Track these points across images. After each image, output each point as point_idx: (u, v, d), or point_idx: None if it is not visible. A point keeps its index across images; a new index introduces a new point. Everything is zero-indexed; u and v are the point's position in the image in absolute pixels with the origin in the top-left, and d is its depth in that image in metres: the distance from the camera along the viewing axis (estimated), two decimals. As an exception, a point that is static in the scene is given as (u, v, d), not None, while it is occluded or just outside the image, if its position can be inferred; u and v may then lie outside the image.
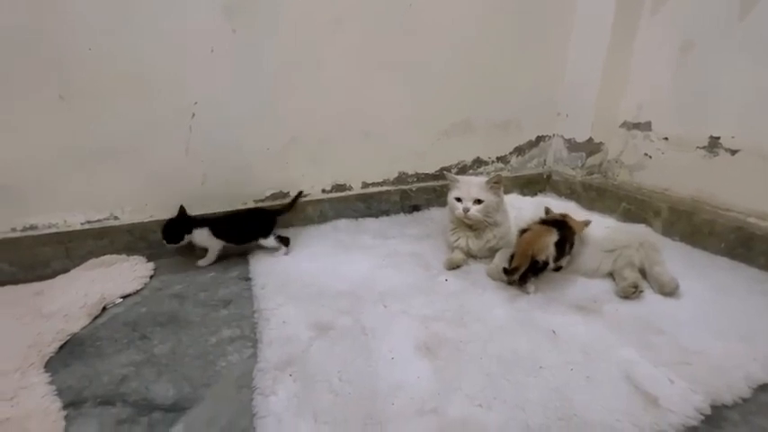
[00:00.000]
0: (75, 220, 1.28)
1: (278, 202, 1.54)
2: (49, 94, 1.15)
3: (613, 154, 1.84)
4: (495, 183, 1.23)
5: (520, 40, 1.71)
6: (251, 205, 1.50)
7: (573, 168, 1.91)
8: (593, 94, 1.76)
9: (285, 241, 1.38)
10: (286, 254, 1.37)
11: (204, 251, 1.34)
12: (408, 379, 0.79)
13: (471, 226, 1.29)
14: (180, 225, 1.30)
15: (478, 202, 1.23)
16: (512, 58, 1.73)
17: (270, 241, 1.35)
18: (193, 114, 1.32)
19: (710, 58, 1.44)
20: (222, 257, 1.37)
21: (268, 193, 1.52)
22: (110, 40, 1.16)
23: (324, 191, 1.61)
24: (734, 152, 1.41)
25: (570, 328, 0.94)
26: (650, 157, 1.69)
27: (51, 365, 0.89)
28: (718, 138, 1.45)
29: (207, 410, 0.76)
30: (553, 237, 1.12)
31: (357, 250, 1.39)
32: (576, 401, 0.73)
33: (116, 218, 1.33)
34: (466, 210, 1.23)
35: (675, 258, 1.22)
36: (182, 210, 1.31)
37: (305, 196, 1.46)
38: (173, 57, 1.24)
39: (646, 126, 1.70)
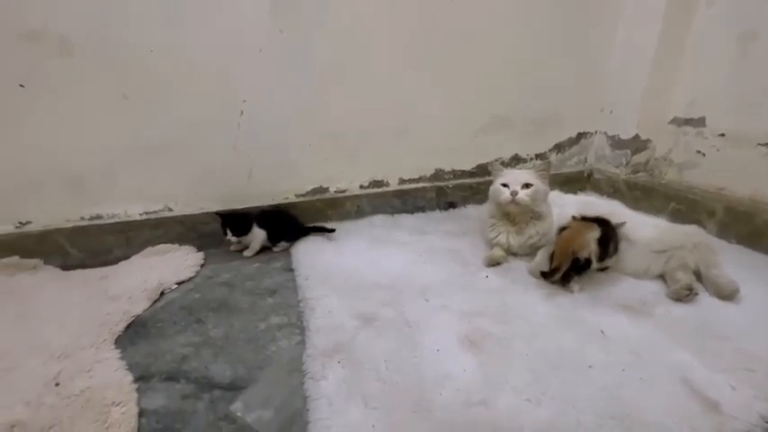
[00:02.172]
0: (134, 210, 1.38)
1: (317, 197, 1.58)
2: (116, 94, 1.24)
3: (661, 152, 1.76)
4: (542, 169, 1.22)
5: (562, 33, 1.67)
6: (292, 200, 1.55)
7: (616, 166, 1.84)
8: (640, 89, 1.69)
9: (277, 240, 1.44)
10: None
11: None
12: (454, 371, 0.80)
13: (514, 219, 1.27)
14: (246, 220, 1.37)
15: (527, 186, 1.21)
16: (553, 53, 1.69)
17: (283, 245, 1.44)
18: (242, 112, 1.38)
19: (775, 49, 1.35)
20: (266, 249, 1.44)
21: (309, 188, 1.57)
22: (169, 42, 1.24)
23: (361, 186, 1.64)
24: (801, 149, 1.31)
25: (619, 329, 0.92)
26: (703, 154, 1.60)
27: (120, 343, 0.96)
28: (783, 134, 1.35)
29: (262, 391, 0.81)
30: (595, 233, 1.09)
31: (394, 245, 1.41)
32: (628, 402, 0.72)
33: (170, 209, 1.42)
34: (514, 193, 1.19)
35: (732, 262, 1.15)
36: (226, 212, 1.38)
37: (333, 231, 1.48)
38: (225, 57, 1.30)
39: (699, 122, 1.61)
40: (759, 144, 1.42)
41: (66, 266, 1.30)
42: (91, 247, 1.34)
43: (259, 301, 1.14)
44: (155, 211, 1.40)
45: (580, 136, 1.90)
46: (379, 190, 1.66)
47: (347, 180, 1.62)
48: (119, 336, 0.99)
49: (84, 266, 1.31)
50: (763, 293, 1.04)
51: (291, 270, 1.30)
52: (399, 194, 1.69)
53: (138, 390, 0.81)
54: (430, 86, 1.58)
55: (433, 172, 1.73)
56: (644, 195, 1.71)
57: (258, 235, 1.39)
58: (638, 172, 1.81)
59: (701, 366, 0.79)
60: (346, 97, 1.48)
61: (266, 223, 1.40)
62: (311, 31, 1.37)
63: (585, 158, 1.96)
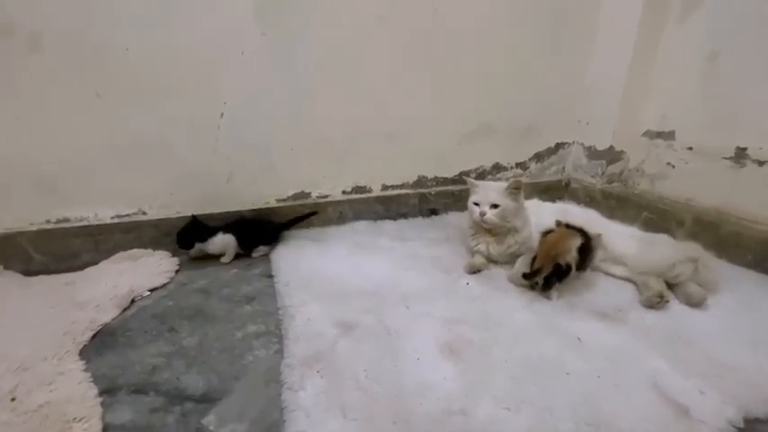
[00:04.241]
0: (105, 214, 1.32)
1: (299, 202, 1.56)
2: (88, 92, 1.19)
3: (634, 163, 1.82)
4: (514, 188, 1.23)
5: (542, 46, 1.72)
6: (273, 205, 1.53)
7: (592, 176, 1.90)
8: (615, 101, 1.75)
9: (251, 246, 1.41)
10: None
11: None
12: (434, 380, 0.79)
13: (491, 231, 1.29)
14: (195, 232, 1.32)
15: (495, 206, 1.23)
16: (533, 65, 1.74)
17: (261, 250, 1.40)
18: (222, 114, 1.35)
19: (738, 68, 1.43)
20: (241, 255, 1.40)
21: (290, 193, 1.55)
22: (145, 41, 1.20)
23: (344, 192, 1.63)
24: (761, 163, 1.38)
25: (595, 336, 0.93)
26: (673, 166, 1.67)
27: (85, 353, 0.91)
28: (746, 149, 1.43)
29: (237, 402, 0.78)
30: (577, 241, 1.11)
31: (377, 252, 1.40)
32: (604, 408, 0.73)
33: (144, 213, 1.37)
34: (482, 214, 1.23)
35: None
36: (194, 218, 1.33)
37: (316, 214, 1.47)
38: (205, 58, 1.27)
39: (669, 135, 1.68)
40: (724, 158, 1.49)
41: (28, 272, 1.23)
42: (56, 251, 1.27)
43: (236, 308, 1.10)
44: (127, 215, 1.35)
45: (558, 146, 1.96)
46: (362, 196, 1.66)
47: (330, 185, 1.60)
48: (84, 346, 0.94)
49: (47, 272, 1.24)
50: (729, 301, 1.09)
51: (271, 276, 1.27)
52: (382, 201, 1.69)
53: (102, 404, 0.76)
54: (416, 93, 1.59)
55: (415, 179, 1.74)
56: (618, 204, 1.77)
57: (221, 242, 1.34)
58: (613, 182, 1.87)
59: (673, 373, 0.81)
60: (330, 102, 1.48)
61: (235, 230, 1.35)
62: (294, 35, 1.36)
63: (563, 168, 2.01)
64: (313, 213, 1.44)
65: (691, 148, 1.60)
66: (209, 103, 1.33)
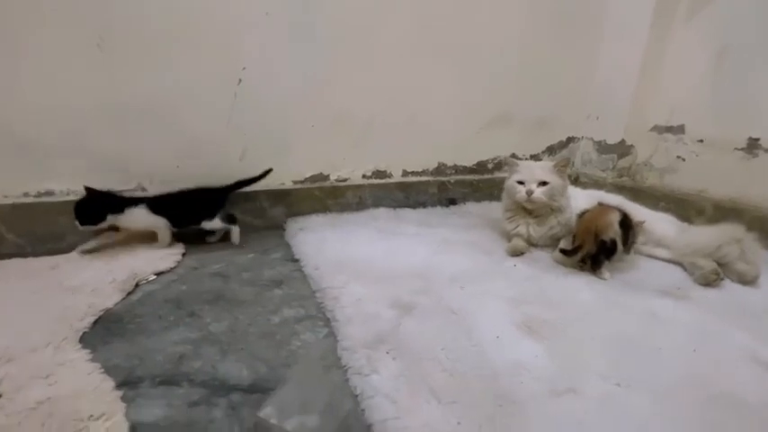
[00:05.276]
0: (98, 187, 1.12)
1: (317, 185, 1.43)
2: (86, 41, 1.02)
3: (643, 157, 1.85)
4: (562, 166, 1.19)
5: (555, 41, 1.72)
6: (289, 187, 1.39)
7: (603, 170, 1.91)
8: (626, 96, 1.78)
9: (232, 219, 1.20)
10: (235, 240, 1.21)
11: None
12: (525, 358, 0.70)
13: (532, 212, 1.23)
14: (101, 203, 1.05)
15: (543, 184, 1.17)
16: (546, 60, 1.73)
17: (215, 223, 1.17)
18: (240, 80, 1.21)
19: (748, 61, 1.48)
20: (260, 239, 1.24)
21: (308, 174, 1.42)
22: (160, -12, 1.06)
23: (364, 176, 1.52)
24: (775, 153, 1.43)
25: (668, 312, 0.88)
26: (683, 159, 1.70)
27: (87, 342, 0.73)
28: (758, 139, 1.47)
29: (296, 392, 0.64)
30: (616, 215, 1.08)
31: (404, 237, 1.30)
32: (716, 383, 0.66)
33: (143, 189, 1.19)
34: (529, 192, 1.16)
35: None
36: (90, 190, 1.05)
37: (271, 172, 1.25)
38: (226, 14, 1.14)
39: (678, 129, 1.71)
40: (736, 149, 1.53)
41: (-2, 254, 1.02)
42: (35, 230, 1.06)
43: (264, 292, 0.96)
44: (124, 190, 1.16)
45: (569, 140, 1.96)
46: (382, 181, 1.55)
47: (349, 168, 1.49)
48: (84, 333, 0.76)
49: (23, 255, 1.03)
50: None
51: (294, 260, 1.13)
52: (402, 187, 1.59)
53: (123, 398, 0.60)
54: (439, 79, 1.53)
55: (435, 165, 1.66)
56: (633, 196, 1.76)
57: (139, 218, 1.10)
58: (623, 176, 1.89)
59: (763, 345, 0.76)
60: (355, 78, 1.38)
61: (164, 206, 1.13)
62: (320, 2, 1.25)
63: (573, 162, 2.02)
64: (267, 173, 1.24)
65: (701, 141, 1.64)
66: (227, 66, 1.19)
